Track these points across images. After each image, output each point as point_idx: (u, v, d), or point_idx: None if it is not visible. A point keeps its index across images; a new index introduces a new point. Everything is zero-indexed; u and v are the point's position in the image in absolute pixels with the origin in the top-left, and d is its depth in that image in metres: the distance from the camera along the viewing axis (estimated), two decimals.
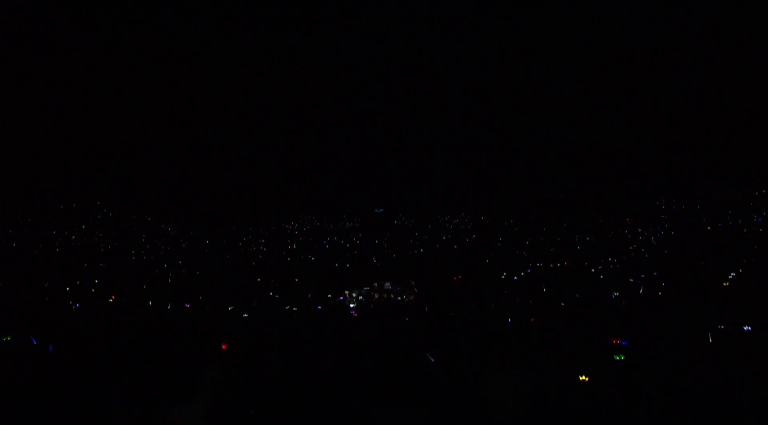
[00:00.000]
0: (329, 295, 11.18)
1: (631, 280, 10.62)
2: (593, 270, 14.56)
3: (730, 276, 11.13)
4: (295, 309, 8.84)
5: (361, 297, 10.68)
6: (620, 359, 4.10)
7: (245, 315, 8.01)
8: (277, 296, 10.64)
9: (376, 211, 19.98)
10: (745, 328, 6.08)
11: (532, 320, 5.10)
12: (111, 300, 9.05)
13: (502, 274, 13.65)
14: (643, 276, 11.80)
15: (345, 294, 11.42)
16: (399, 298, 10.97)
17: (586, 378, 4.00)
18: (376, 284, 12.86)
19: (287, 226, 20.48)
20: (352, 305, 9.71)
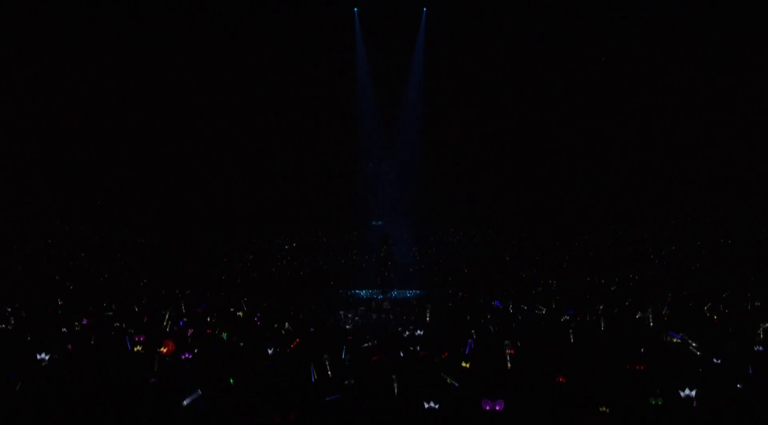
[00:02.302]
0: (323, 315, 11.13)
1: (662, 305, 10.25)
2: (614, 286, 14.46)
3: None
4: (286, 329, 8.79)
5: (357, 318, 10.65)
6: (657, 403, 3.94)
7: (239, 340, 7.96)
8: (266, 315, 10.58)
9: (375, 223, 19.98)
10: None
11: (561, 379, 4.74)
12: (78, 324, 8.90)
13: (511, 292, 13.57)
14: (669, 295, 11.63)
15: (340, 315, 11.39)
16: (398, 318, 10.91)
17: (606, 410, 3.92)
18: (373, 303, 12.81)
19: (277, 240, 20.43)
20: (348, 326, 9.66)
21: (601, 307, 10.40)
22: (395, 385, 4.15)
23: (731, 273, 14.98)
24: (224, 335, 8.02)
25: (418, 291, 15.42)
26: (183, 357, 5.98)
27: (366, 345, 6.21)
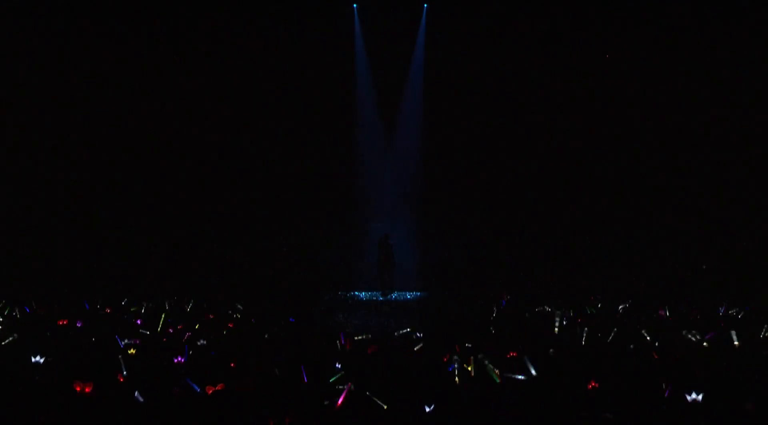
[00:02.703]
0: (320, 320, 11.10)
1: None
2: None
3: None
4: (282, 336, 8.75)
5: (355, 322, 10.62)
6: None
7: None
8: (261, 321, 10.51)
9: (375, 224, 19.86)
10: None
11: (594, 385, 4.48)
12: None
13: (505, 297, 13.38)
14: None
15: (339, 317, 11.40)
16: (397, 322, 10.86)
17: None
18: (373, 306, 12.82)
19: (271, 243, 20.23)
20: (347, 330, 9.60)
21: (600, 305, 10.37)
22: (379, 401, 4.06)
23: (734, 275, 14.96)
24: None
25: (419, 293, 15.40)
26: (176, 360, 5.92)
27: (360, 337, 6.08)
